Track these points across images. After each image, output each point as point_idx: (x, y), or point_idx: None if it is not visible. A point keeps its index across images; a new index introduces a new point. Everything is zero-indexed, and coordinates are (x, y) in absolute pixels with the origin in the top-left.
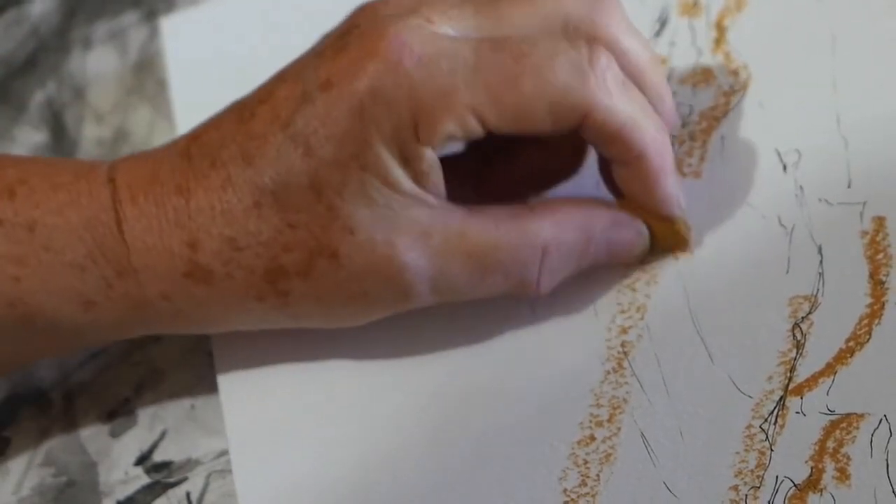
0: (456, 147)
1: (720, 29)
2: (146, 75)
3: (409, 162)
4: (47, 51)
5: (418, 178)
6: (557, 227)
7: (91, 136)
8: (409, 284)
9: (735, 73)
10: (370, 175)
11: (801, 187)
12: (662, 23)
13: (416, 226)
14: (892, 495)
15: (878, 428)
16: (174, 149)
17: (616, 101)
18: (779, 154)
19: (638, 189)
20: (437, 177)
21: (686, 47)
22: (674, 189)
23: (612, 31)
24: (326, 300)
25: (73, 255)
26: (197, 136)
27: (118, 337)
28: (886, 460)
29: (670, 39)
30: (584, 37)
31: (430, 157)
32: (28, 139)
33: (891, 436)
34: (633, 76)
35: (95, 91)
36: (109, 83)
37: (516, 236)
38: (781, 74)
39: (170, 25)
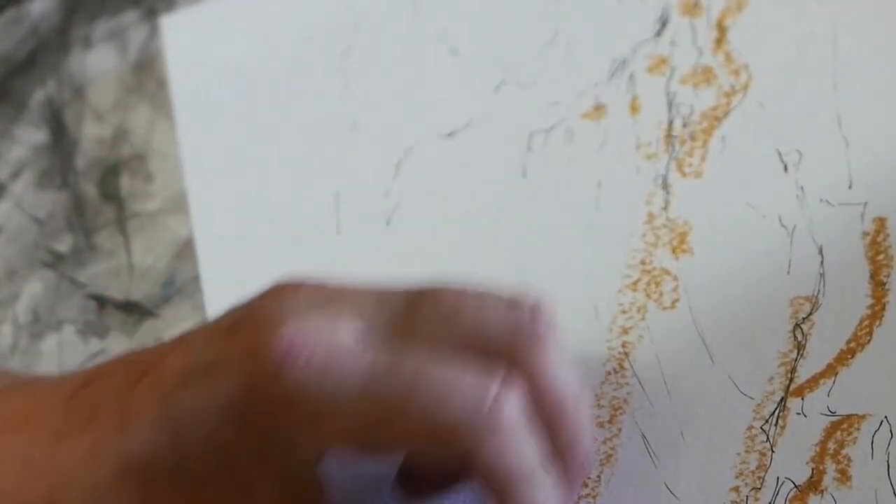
0: None
1: (721, 29)
2: (146, 74)
3: (279, 478)
4: (47, 49)
5: (287, 493)
6: None
7: (91, 135)
8: None
9: (736, 73)
10: (233, 483)
11: (801, 188)
12: (663, 23)
13: None
14: (893, 496)
15: (878, 429)
16: (61, 389)
17: (507, 453)
18: (780, 154)
19: None
20: (312, 495)
21: (687, 47)
22: None
23: (538, 360)
24: None
25: None
26: (87, 382)
27: None
28: (887, 461)
29: (671, 39)
30: (504, 363)
31: (303, 472)
32: (28, 138)
33: (892, 437)
34: (551, 414)
35: (95, 90)
36: (109, 82)
37: None
38: (782, 75)
39: (170, 24)
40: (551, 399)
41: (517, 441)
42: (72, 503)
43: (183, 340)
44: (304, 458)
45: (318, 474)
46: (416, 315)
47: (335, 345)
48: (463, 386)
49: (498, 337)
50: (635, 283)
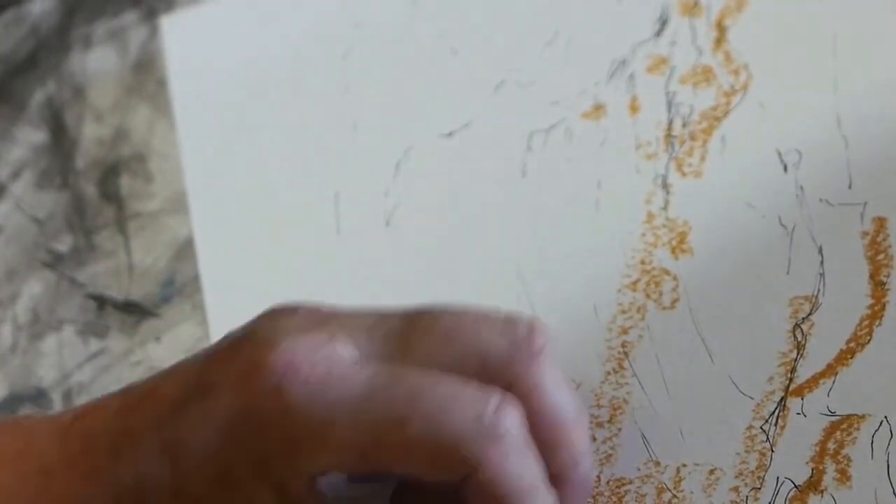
0: None
1: (721, 29)
2: (146, 75)
3: (278, 490)
4: (47, 50)
5: None
6: None
7: (91, 136)
8: None
9: (735, 72)
10: (233, 499)
11: (801, 187)
12: (663, 22)
13: None
14: (893, 496)
15: (878, 429)
16: (56, 423)
17: (509, 464)
18: (779, 154)
19: None
20: None
21: (686, 47)
22: None
23: (534, 380)
24: None
25: None
26: (82, 415)
27: None
28: (887, 461)
29: (671, 39)
30: (501, 382)
31: (302, 489)
32: (28, 138)
33: (891, 437)
34: (550, 433)
35: (95, 90)
36: (109, 82)
37: None
38: (782, 74)
39: (170, 24)
40: (549, 417)
41: (519, 453)
42: None
43: (177, 368)
44: (304, 475)
45: (317, 494)
46: (412, 336)
47: (333, 358)
48: (463, 399)
49: (495, 356)
50: (635, 282)
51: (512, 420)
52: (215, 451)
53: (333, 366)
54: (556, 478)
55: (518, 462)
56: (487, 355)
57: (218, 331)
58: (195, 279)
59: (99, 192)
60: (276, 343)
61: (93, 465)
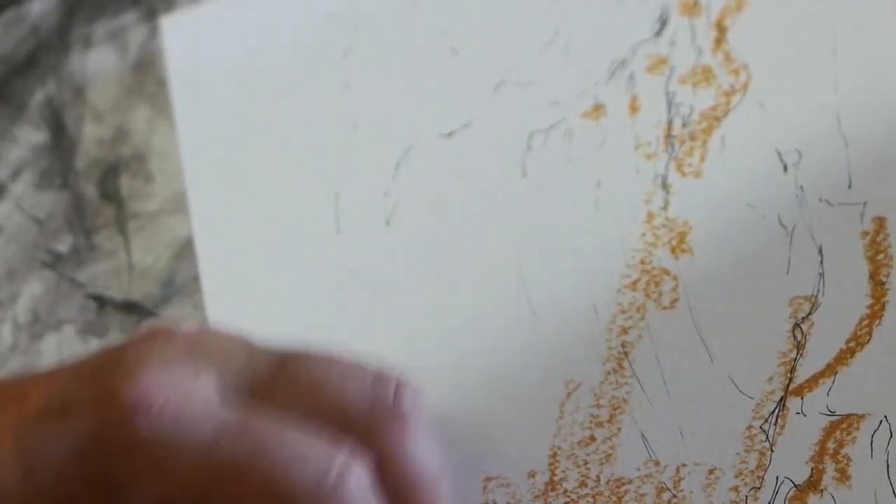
0: None
1: (720, 28)
2: (146, 74)
3: None
4: (47, 50)
5: None
6: None
7: (91, 136)
8: None
9: (735, 72)
10: None
11: (801, 187)
12: (662, 22)
13: None
14: (893, 496)
15: (878, 429)
16: None
17: None
18: (779, 154)
19: None
20: None
21: (686, 47)
22: None
23: (393, 437)
24: None
25: None
26: None
27: None
28: (887, 461)
29: (670, 39)
30: (356, 436)
31: None
32: (28, 138)
33: (891, 437)
34: (404, 492)
35: (95, 90)
36: (109, 82)
37: None
38: (782, 74)
39: (170, 24)
40: (404, 477)
41: None
42: None
43: (51, 374)
44: (150, 501)
45: None
46: (280, 378)
47: (190, 396)
48: (309, 454)
49: (357, 410)
50: (635, 282)
51: (356, 480)
52: (66, 472)
53: (188, 404)
54: None
55: None
56: (350, 409)
57: None
58: (195, 279)
59: (99, 192)
60: (137, 370)
61: None
